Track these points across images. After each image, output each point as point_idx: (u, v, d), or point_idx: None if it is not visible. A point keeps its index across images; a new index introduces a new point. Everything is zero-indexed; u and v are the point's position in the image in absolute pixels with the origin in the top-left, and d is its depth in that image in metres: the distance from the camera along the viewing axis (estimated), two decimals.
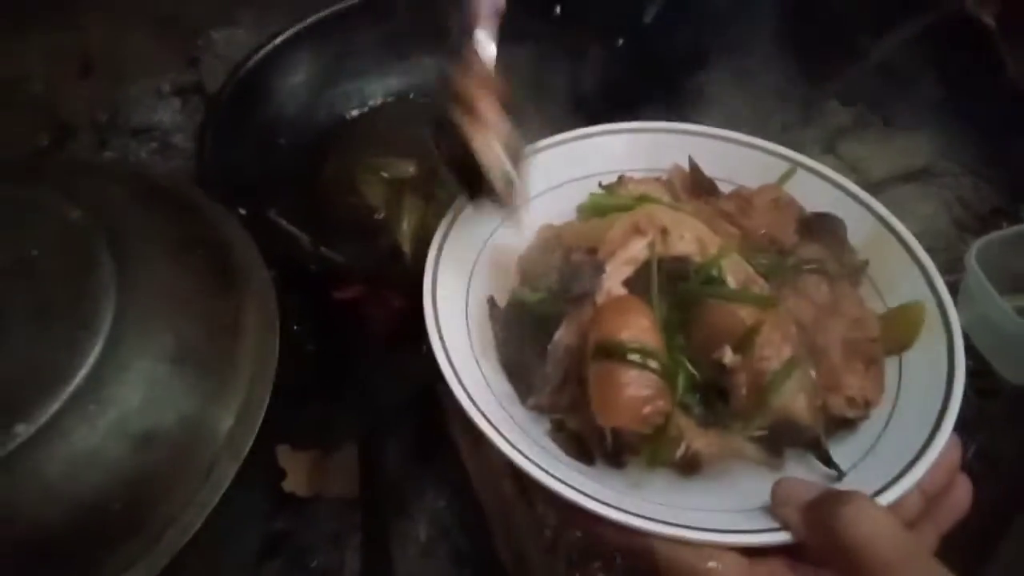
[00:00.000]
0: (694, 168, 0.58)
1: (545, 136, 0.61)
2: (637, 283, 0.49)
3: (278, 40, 0.85)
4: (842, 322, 0.50)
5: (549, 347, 0.49)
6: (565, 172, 0.60)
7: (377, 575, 0.75)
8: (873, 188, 1.01)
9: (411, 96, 0.94)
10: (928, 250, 0.96)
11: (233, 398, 0.54)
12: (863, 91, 1.08)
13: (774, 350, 0.45)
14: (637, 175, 0.58)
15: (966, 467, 0.83)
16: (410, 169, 0.87)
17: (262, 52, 0.84)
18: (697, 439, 0.45)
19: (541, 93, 0.78)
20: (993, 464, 0.86)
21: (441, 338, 0.48)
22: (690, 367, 0.47)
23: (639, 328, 0.46)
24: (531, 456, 0.43)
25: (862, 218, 0.55)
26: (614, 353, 0.44)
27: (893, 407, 0.48)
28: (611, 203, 0.55)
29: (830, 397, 0.47)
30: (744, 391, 0.45)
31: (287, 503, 0.78)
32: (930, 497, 0.43)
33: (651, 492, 0.45)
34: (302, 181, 0.86)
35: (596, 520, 0.41)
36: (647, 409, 0.43)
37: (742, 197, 0.56)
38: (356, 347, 0.82)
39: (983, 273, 0.84)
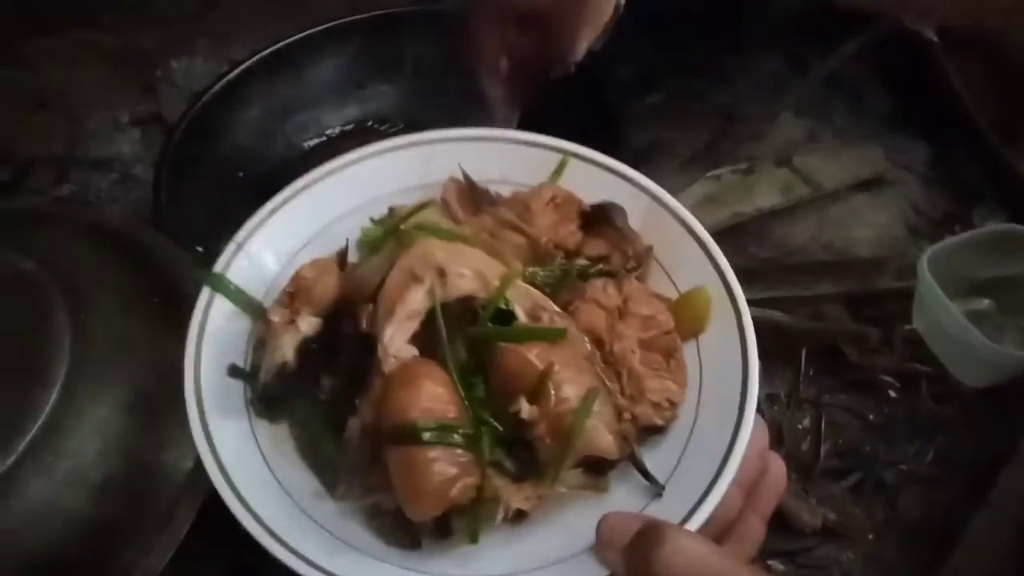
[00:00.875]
0: (466, 178, 0.55)
1: None
2: (425, 336, 0.46)
3: (233, 74, 0.85)
4: (635, 323, 0.49)
5: (345, 434, 0.45)
6: (339, 205, 0.55)
7: None
8: (828, 198, 1.05)
9: (369, 124, 0.94)
10: (884, 257, 0.99)
11: (190, 441, 0.54)
12: (814, 104, 1.10)
13: (570, 387, 0.43)
14: (411, 197, 0.55)
15: (924, 471, 0.85)
16: None
17: (217, 86, 0.84)
18: (515, 497, 0.43)
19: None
20: (951, 467, 0.88)
21: (215, 454, 0.43)
22: (494, 422, 0.44)
23: (432, 398, 0.42)
24: (331, 570, 0.40)
25: (636, 198, 0.54)
26: (408, 437, 0.41)
27: (698, 400, 0.47)
28: (382, 236, 0.51)
29: (636, 407, 0.46)
30: (548, 440, 0.43)
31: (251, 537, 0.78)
32: (747, 487, 0.44)
33: (486, 561, 0.43)
34: None
35: None
36: (455, 491, 0.41)
37: (520, 202, 0.54)
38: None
39: (935, 279, 0.86)
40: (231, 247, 0.50)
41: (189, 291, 0.61)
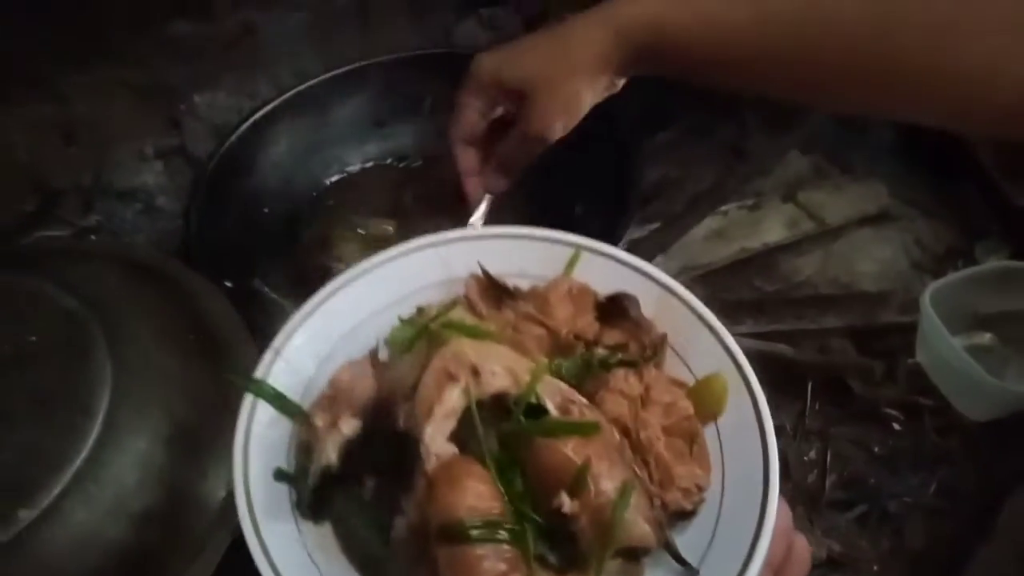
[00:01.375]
0: (486, 275, 0.57)
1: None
2: (463, 433, 0.46)
3: (258, 114, 0.88)
4: (657, 410, 0.50)
5: (392, 535, 0.46)
6: (366, 305, 0.57)
7: None
8: (833, 233, 1.07)
9: (388, 161, 0.97)
10: (888, 291, 1.01)
11: (224, 471, 0.57)
12: (820, 141, 1.13)
13: (607, 480, 0.44)
14: (434, 294, 0.57)
15: (928, 503, 0.87)
16: (389, 228, 0.90)
17: (244, 126, 0.87)
18: None
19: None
20: (955, 498, 0.90)
21: (268, 558, 0.44)
22: (536, 517, 0.45)
23: (476, 496, 0.43)
24: None
25: (648, 289, 0.56)
26: (457, 535, 0.42)
27: (723, 479, 0.49)
28: (413, 335, 0.52)
29: (666, 494, 0.47)
30: (589, 533, 0.44)
31: None
32: (776, 566, 0.46)
33: None
34: (285, 247, 0.89)
35: None
36: None
37: (538, 295, 0.55)
38: None
39: (938, 314, 0.88)
40: (269, 354, 0.52)
41: (220, 325, 0.65)
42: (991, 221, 1.10)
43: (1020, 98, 0.45)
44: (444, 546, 0.43)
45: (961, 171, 1.12)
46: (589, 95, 0.71)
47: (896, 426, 0.94)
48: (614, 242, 0.65)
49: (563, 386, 0.49)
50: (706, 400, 0.51)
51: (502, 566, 0.42)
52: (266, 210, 0.88)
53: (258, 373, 0.51)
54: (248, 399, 0.49)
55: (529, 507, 0.45)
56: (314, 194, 0.93)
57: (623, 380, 0.51)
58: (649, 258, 0.62)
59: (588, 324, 0.54)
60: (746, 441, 0.49)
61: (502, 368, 0.47)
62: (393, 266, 0.57)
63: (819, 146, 1.14)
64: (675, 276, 0.57)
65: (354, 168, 0.96)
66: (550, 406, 0.47)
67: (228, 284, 0.71)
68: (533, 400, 0.46)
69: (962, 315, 0.92)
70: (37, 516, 0.50)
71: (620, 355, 0.52)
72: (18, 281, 0.62)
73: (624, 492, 0.44)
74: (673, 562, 0.46)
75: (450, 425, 0.46)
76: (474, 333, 0.51)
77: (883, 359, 0.98)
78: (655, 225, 0.99)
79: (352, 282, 0.56)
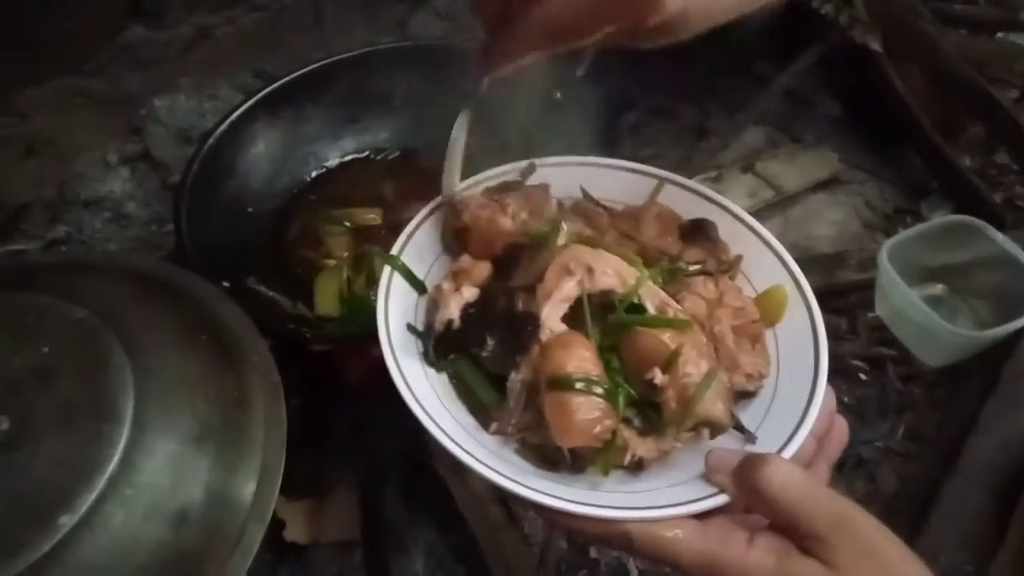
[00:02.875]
0: (588, 197, 0.67)
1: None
2: (573, 317, 0.57)
3: (233, 116, 0.88)
4: (728, 312, 0.59)
5: (508, 384, 0.56)
6: None
7: None
8: (790, 200, 1.13)
9: (366, 155, 0.99)
10: (844, 252, 1.07)
11: (252, 465, 0.58)
12: (772, 115, 1.18)
13: (694, 366, 0.53)
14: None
15: (897, 446, 0.93)
16: (374, 217, 0.92)
17: (219, 130, 0.87)
18: (640, 446, 0.54)
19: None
20: (921, 440, 0.96)
21: (410, 389, 0.54)
22: (628, 387, 0.55)
23: (581, 359, 0.53)
24: (505, 473, 0.50)
25: (720, 217, 0.65)
26: (564, 385, 0.52)
27: (777, 371, 0.58)
28: (546, 234, 0.61)
29: (732, 376, 0.56)
30: (673, 404, 0.53)
31: (288, 552, 0.82)
32: (819, 437, 0.53)
33: (610, 486, 0.54)
34: (272, 245, 0.89)
35: (575, 519, 0.49)
36: (597, 429, 0.51)
37: (631, 216, 0.65)
38: (339, 397, 0.87)
39: (894, 269, 0.94)
40: (402, 238, 0.62)
41: (230, 324, 0.66)
42: (933, 180, 1.17)
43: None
44: (552, 392, 0.52)
45: (904, 136, 1.18)
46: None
47: (862, 376, 1.00)
48: None
49: (661, 291, 0.58)
50: (768, 308, 0.60)
51: (596, 413, 0.51)
52: (250, 210, 0.89)
53: (394, 251, 0.62)
54: (386, 271, 0.60)
55: (623, 381, 0.55)
56: (296, 191, 0.94)
57: (702, 285, 0.60)
58: None
59: (672, 242, 0.64)
60: (801, 341, 0.58)
61: (612, 271, 0.57)
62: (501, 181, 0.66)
63: (772, 119, 1.19)
64: None
65: (333, 163, 0.97)
66: (649, 306, 0.57)
67: (226, 284, 0.72)
68: (636, 301, 0.56)
69: (915, 269, 0.98)
70: (77, 522, 0.50)
71: (700, 266, 0.62)
72: (20, 297, 0.61)
73: (708, 376, 0.53)
74: (733, 432, 0.55)
75: (563, 308, 0.57)
76: (593, 242, 0.61)
77: (845, 315, 1.04)
78: None
79: (467, 189, 0.65)
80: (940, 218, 1.02)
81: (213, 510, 0.55)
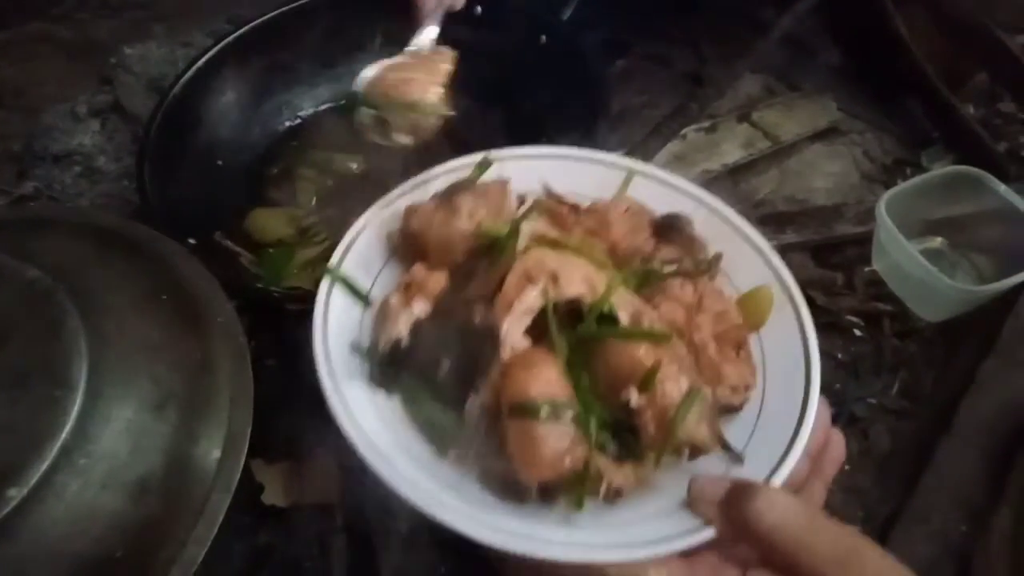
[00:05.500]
0: (551, 194, 0.61)
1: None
2: (537, 330, 0.51)
3: (199, 63, 0.84)
4: (709, 317, 0.54)
5: (466, 408, 0.50)
6: None
7: (364, 571, 0.78)
8: (787, 151, 1.09)
9: (343, 103, 0.94)
10: (842, 204, 1.04)
11: (217, 431, 0.56)
12: (771, 63, 1.14)
13: (674, 384, 0.48)
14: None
15: (891, 404, 0.91)
16: (353, 164, 0.88)
17: (185, 77, 0.83)
18: (616, 475, 0.48)
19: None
20: (916, 398, 0.94)
21: (350, 417, 0.49)
22: (600, 409, 0.50)
23: (546, 381, 0.48)
24: (463, 512, 0.45)
25: (696, 210, 0.60)
26: (527, 412, 0.46)
27: (764, 381, 0.54)
28: (506, 237, 0.56)
29: (716, 389, 0.51)
30: (652, 429, 0.48)
31: (268, 516, 0.80)
32: (813, 455, 0.50)
33: (585, 520, 0.48)
34: (243, 198, 0.86)
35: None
36: (567, 461, 0.46)
37: (598, 213, 0.59)
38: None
39: (892, 222, 0.91)
40: (342, 246, 0.56)
41: (194, 285, 0.63)
42: (935, 130, 1.13)
43: None
44: (515, 420, 0.47)
45: (906, 84, 1.14)
46: None
47: (858, 332, 0.98)
48: None
49: (635, 298, 0.53)
50: (751, 311, 0.56)
51: (566, 442, 0.46)
52: (220, 162, 0.85)
53: (333, 262, 0.56)
54: (325, 283, 0.55)
55: (595, 402, 0.49)
56: (268, 143, 0.90)
57: (679, 288, 0.55)
58: None
59: (644, 240, 0.58)
60: (789, 347, 0.53)
61: (579, 277, 0.52)
62: (452, 178, 0.61)
63: (771, 68, 1.14)
64: None
65: (307, 113, 0.93)
66: (622, 315, 0.51)
67: (192, 241, 0.69)
68: (607, 310, 0.51)
69: (914, 222, 0.95)
70: (27, 493, 0.48)
71: (675, 267, 0.56)
72: None
73: (690, 396, 0.48)
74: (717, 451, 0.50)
75: (526, 321, 0.51)
76: (556, 245, 0.55)
77: (841, 270, 1.01)
78: (619, 153, 0.98)
79: (416, 189, 0.60)
80: (941, 169, 0.99)
81: (175, 479, 0.53)
